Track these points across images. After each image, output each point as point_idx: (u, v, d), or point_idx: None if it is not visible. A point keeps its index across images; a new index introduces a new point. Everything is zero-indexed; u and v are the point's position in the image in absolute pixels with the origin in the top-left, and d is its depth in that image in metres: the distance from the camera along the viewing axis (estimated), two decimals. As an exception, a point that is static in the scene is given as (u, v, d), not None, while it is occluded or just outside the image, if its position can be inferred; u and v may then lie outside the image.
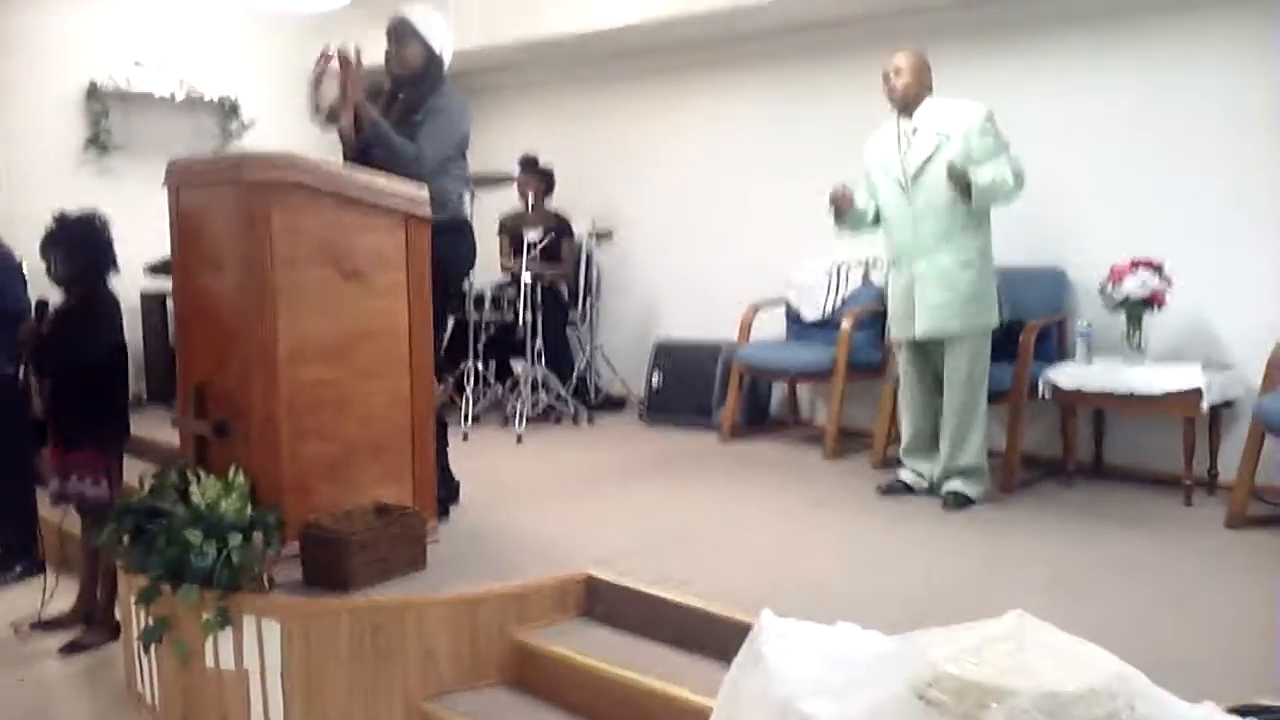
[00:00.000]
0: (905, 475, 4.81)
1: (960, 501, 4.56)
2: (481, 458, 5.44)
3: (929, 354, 4.68)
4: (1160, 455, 4.95)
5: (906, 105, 4.56)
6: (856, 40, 6.04)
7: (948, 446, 4.61)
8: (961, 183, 4.36)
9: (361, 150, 4.24)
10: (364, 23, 7.07)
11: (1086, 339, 4.90)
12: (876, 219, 4.76)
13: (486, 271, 6.42)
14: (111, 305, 4.26)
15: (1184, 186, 4.97)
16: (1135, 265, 4.75)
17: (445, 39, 4.36)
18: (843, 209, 4.69)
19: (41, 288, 4.44)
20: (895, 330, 4.76)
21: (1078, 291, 5.26)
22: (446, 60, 4.37)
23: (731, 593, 3.48)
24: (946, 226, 4.48)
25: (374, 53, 4.34)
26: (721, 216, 6.79)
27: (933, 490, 4.71)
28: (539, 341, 6.47)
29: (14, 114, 6.87)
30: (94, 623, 4.32)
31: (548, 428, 6.42)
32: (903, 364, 4.80)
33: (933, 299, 4.52)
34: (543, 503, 4.70)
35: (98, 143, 7.13)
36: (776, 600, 3.22)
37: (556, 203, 7.13)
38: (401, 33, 4.30)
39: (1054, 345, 5.25)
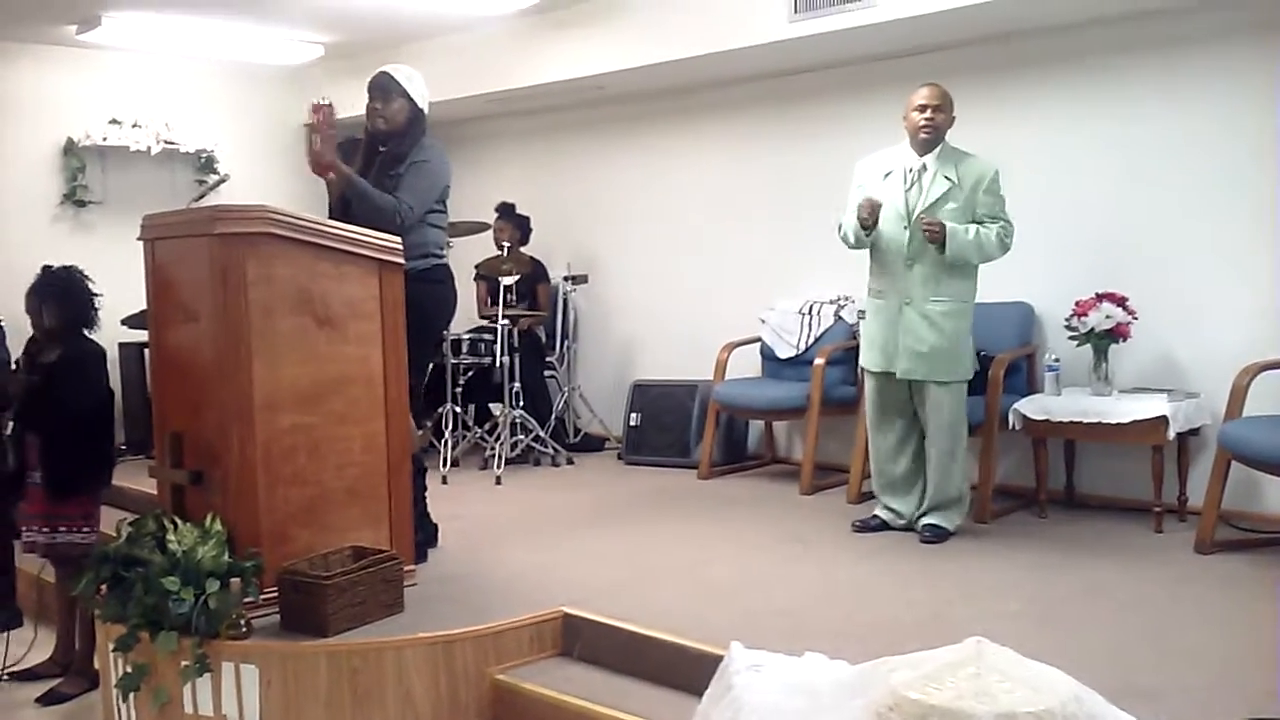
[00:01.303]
0: (881, 513, 4.83)
1: (937, 535, 4.61)
2: (460, 501, 5.47)
3: (899, 386, 4.68)
4: (1130, 484, 5.02)
5: (934, 143, 4.54)
6: (826, 86, 6.16)
7: (933, 482, 4.64)
8: (939, 238, 4.40)
9: (345, 202, 4.30)
10: (337, 75, 7.22)
11: (1055, 371, 4.98)
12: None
13: (464, 316, 6.47)
14: (98, 356, 4.31)
15: (1148, 220, 5.07)
16: (1100, 298, 4.84)
17: (425, 94, 4.43)
18: (869, 223, 4.55)
19: (20, 342, 4.48)
20: (868, 359, 4.74)
21: (1045, 325, 5.35)
22: (426, 114, 4.45)
23: (705, 626, 3.52)
24: (940, 270, 4.49)
25: (347, 106, 4.39)
26: (695, 258, 6.87)
27: (909, 527, 4.73)
28: (517, 384, 6.51)
29: (-8, 169, 6.93)
30: (72, 672, 4.31)
31: (527, 469, 6.46)
32: (869, 394, 4.80)
33: (919, 344, 4.51)
34: (521, 544, 4.72)
35: (74, 198, 7.18)
36: (750, 633, 3.26)
37: (532, 248, 7.20)
38: (387, 89, 4.36)
39: (1024, 378, 5.33)
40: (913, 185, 4.56)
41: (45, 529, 4.23)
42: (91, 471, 4.25)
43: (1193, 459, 4.86)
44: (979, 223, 4.50)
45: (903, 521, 4.76)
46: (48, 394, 4.17)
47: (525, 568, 4.34)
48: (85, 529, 4.22)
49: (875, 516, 4.83)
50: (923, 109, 4.52)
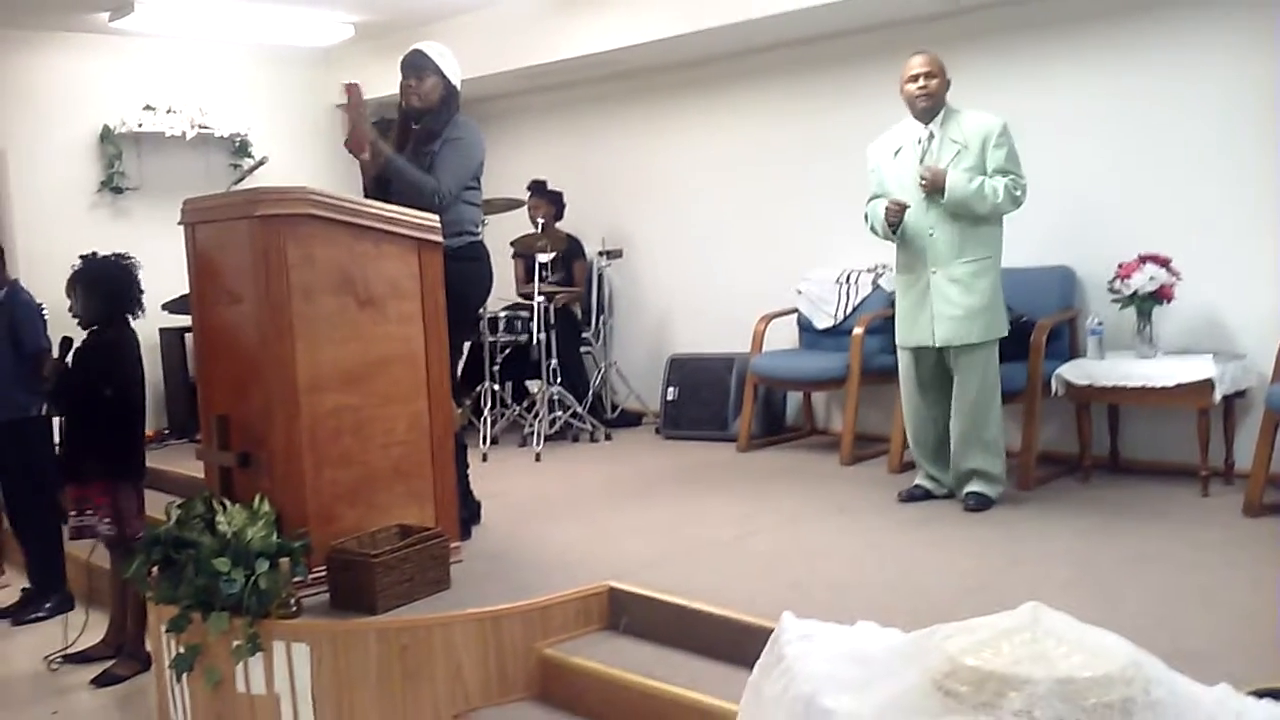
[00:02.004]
0: (923, 481, 4.81)
1: (981, 503, 4.58)
2: (501, 478, 5.49)
3: (933, 361, 4.66)
4: (1176, 447, 4.97)
5: (932, 110, 4.54)
6: (859, 51, 6.10)
7: (964, 450, 4.62)
8: (937, 184, 4.40)
9: (379, 179, 4.31)
10: (368, 55, 7.22)
11: (1098, 335, 4.92)
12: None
13: (500, 294, 6.48)
14: (129, 343, 4.32)
15: (1190, 180, 5.00)
16: (1143, 260, 4.77)
17: (457, 70, 4.43)
18: (897, 221, 4.57)
19: (61, 329, 4.52)
20: (903, 336, 4.73)
21: (1087, 289, 5.29)
22: (459, 91, 4.44)
23: (752, 599, 3.52)
24: (962, 234, 4.48)
25: (379, 85, 4.39)
26: (730, 230, 6.84)
27: (952, 494, 4.72)
28: (554, 361, 6.52)
29: (30, 159, 7.00)
30: (125, 654, 4.38)
31: (565, 446, 6.47)
32: (903, 370, 4.78)
33: (951, 307, 4.50)
34: (563, 519, 4.74)
35: (111, 184, 7.24)
36: (797, 604, 3.25)
37: (566, 224, 7.19)
38: (420, 66, 4.36)
39: (1065, 343, 5.27)
40: (924, 155, 4.55)
41: (74, 512, 4.28)
42: (111, 458, 4.26)
43: (1239, 421, 4.80)
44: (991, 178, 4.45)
45: (945, 489, 4.74)
46: (75, 378, 4.21)
47: (569, 543, 4.35)
48: (107, 516, 4.23)
49: (918, 486, 4.81)
50: (915, 78, 4.53)
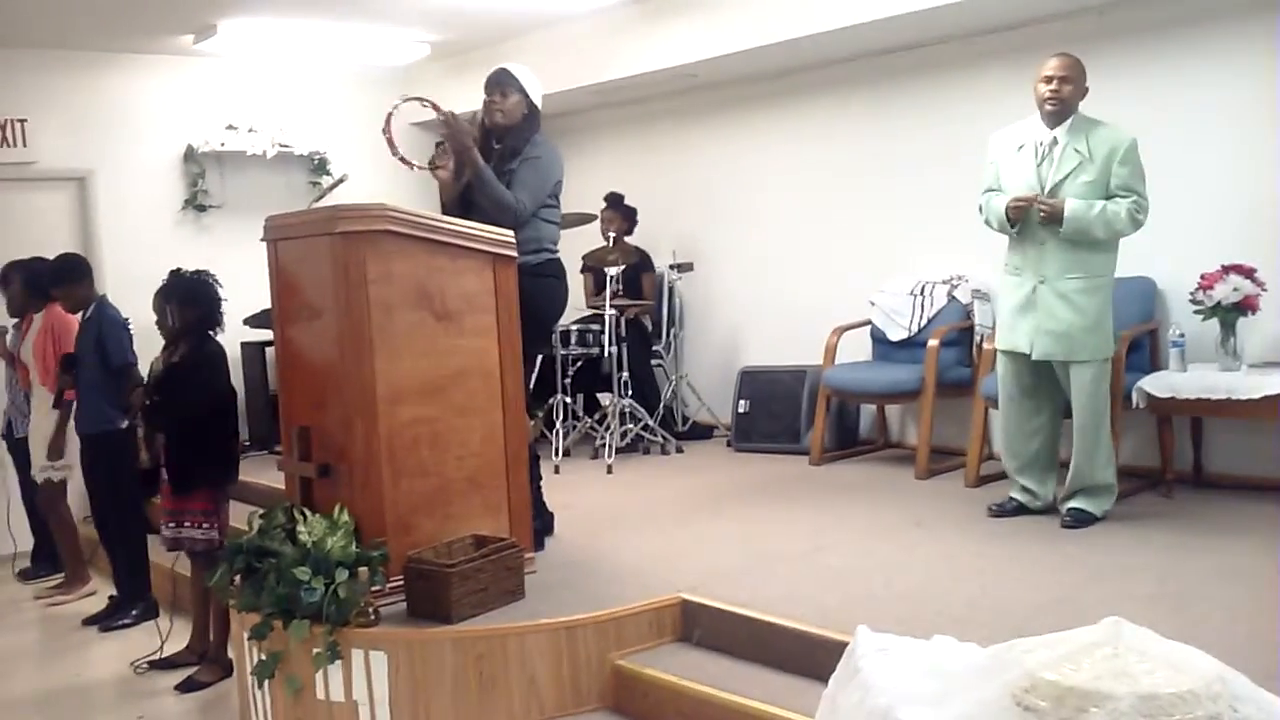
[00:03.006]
0: (1017, 494, 4.71)
1: (1082, 519, 4.46)
2: (573, 489, 5.52)
3: (1033, 369, 4.56)
4: (1261, 461, 4.85)
5: (1062, 115, 4.38)
6: (933, 62, 6.06)
7: (1075, 464, 4.50)
8: (1054, 217, 4.31)
9: (462, 199, 4.37)
10: (443, 74, 7.33)
11: (1179, 347, 4.83)
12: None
13: (571, 307, 6.52)
14: (219, 356, 4.46)
15: (1274, 188, 4.88)
16: (1226, 270, 4.68)
17: (539, 89, 4.49)
18: (1019, 219, 4.46)
19: (147, 344, 4.65)
20: (1003, 339, 4.62)
21: (1168, 300, 5.19)
22: (539, 110, 4.50)
23: (825, 612, 3.51)
24: (1075, 248, 4.36)
25: (453, 104, 4.46)
26: (801, 241, 6.82)
27: (1049, 509, 4.61)
28: (625, 374, 6.55)
29: (116, 178, 7.20)
30: (208, 660, 4.47)
31: (637, 458, 6.49)
32: (1001, 374, 4.68)
33: (1055, 323, 4.39)
34: (635, 531, 4.76)
35: (195, 203, 7.43)
36: (872, 618, 3.23)
37: (636, 238, 7.22)
38: (504, 84, 4.44)
39: (1146, 355, 5.18)
40: (1044, 159, 4.42)
41: (171, 524, 4.39)
42: (212, 468, 4.38)
43: (1328, 435, 4.68)
44: (1111, 196, 4.32)
45: (1039, 503, 4.64)
46: (171, 393, 4.33)
47: (641, 554, 4.36)
48: (205, 524, 4.36)
49: (1011, 499, 4.71)
50: (1049, 80, 4.37)
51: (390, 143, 4.30)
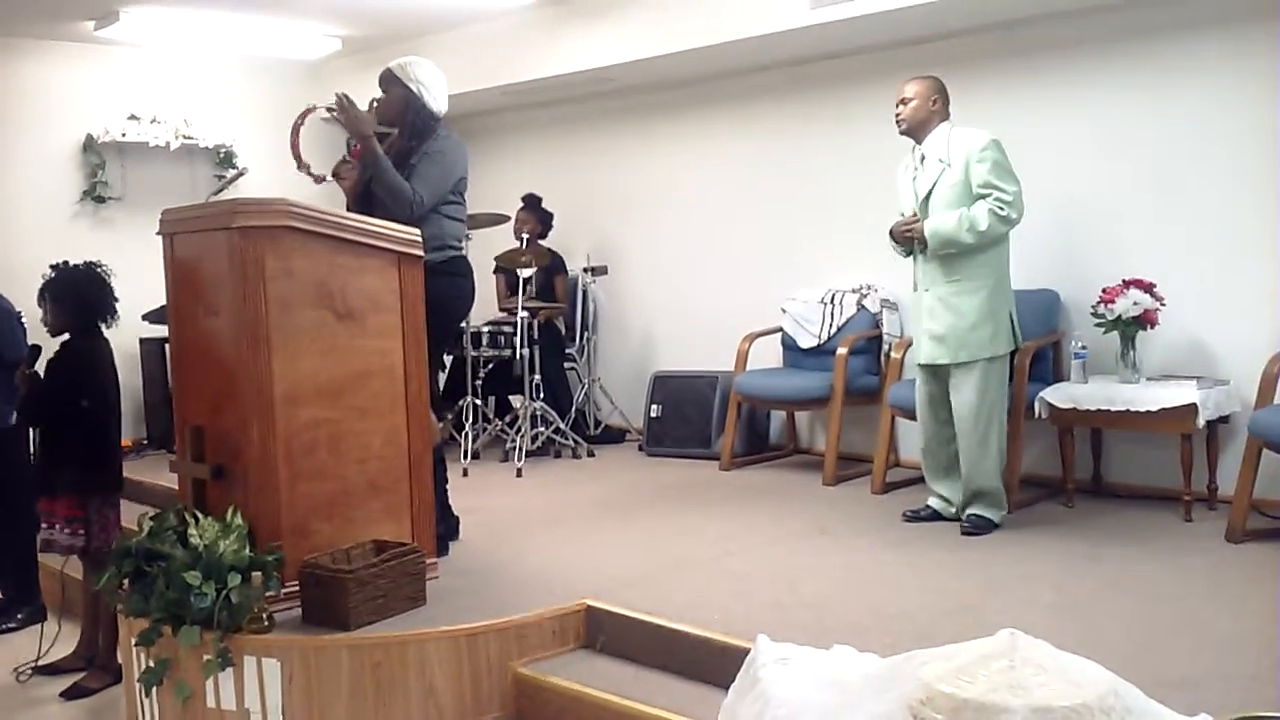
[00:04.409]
0: (933, 502, 4.78)
1: (981, 525, 4.54)
2: (481, 493, 5.45)
3: (940, 378, 4.68)
4: (1159, 472, 4.96)
5: (914, 132, 4.61)
6: (848, 74, 6.11)
7: (963, 470, 4.60)
8: (915, 237, 4.54)
9: (364, 198, 4.29)
10: (354, 70, 7.19)
11: (1081, 359, 4.92)
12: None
13: (483, 309, 6.46)
14: (99, 354, 4.23)
15: (1175, 205, 5.00)
16: (1127, 285, 4.77)
17: (431, 83, 4.41)
18: (905, 240, 4.66)
19: (42, 338, 4.47)
20: (914, 351, 4.83)
21: (1071, 312, 5.28)
22: (435, 105, 4.42)
23: (730, 619, 3.49)
24: (952, 256, 4.51)
25: (363, 101, 4.41)
26: (715, 248, 6.83)
27: (958, 516, 4.67)
28: (537, 376, 6.49)
29: (11, 167, 6.95)
30: (96, 666, 4.31)
31: (547, 462, 6.44)
32: (918, 384, 4.81)
33: (936, 326, 4.56)
34: (543, 536, 4.70)
35: (94, 194, 7.19)
36: (776, 626, 3.24)
37: (550, 240, 7.17)
38: (383, 80, 4.43)
39: (1049, 366, 5.26)
40: (916, 174, 4.64)
41: (44, 525, 4.22)
42: (82, 471, 4.17)
43: (1223, 447, 4.79)
44: (978, 197, 4.45)
45: (954, 510, 4.71)
46: (45, 389, 4.16)
47: (547, 560, 4.31)
48: (69, 530, 4.13)
49: (927, 506, 4.78)
50: (896, 103, 4.65)
51: (297, 156, 4.22)
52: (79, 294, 4.19)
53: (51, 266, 4.26)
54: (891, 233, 4.69)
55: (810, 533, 4.67)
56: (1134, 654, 3.11)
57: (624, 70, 6.46)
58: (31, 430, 4.38)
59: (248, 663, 3.35)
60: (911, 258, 4.72)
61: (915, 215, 4.60)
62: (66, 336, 4.25)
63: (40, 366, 4.32)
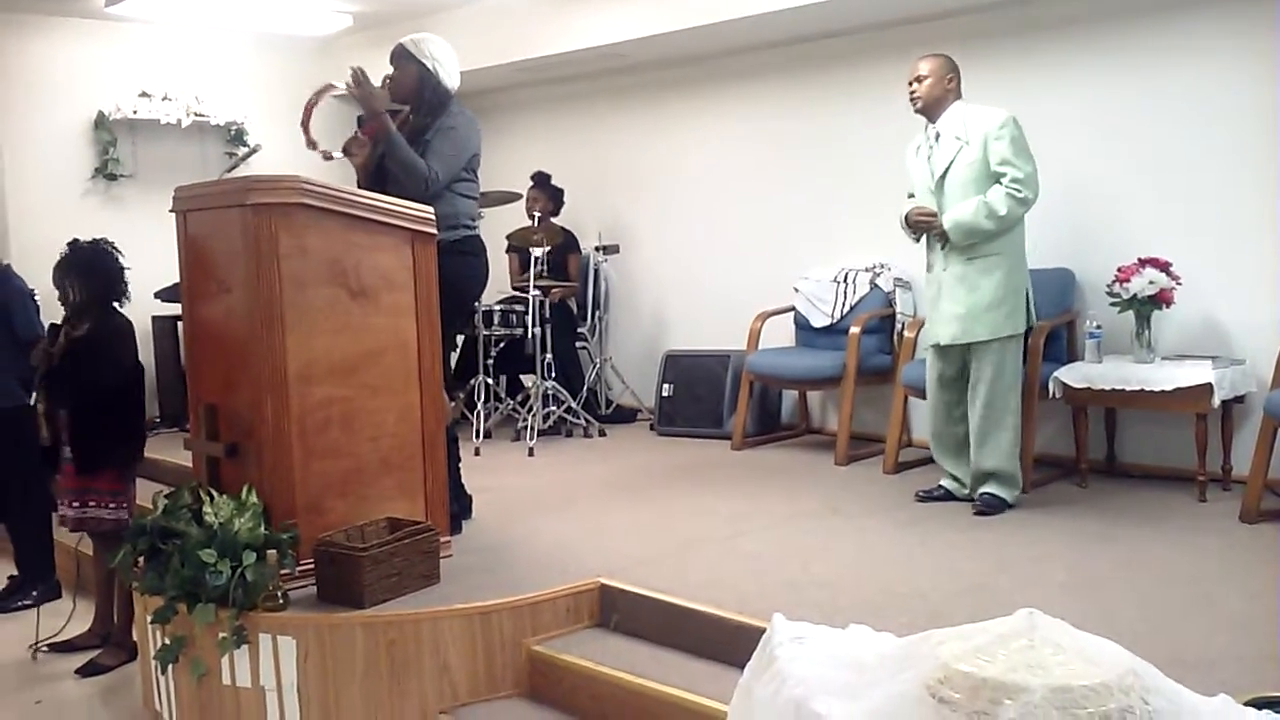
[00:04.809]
0: (945, 482, 4.77)
1: (993, 505, 4.52)
2: (494, 472, 5.46)
3: (952, 357, 4.66)
4: (1173, 452, 4.94)
5: (929, 110, 4.57)
6: (862, 50, 6.06)
7: (975, 450, 4.59)
8: (936, 228, 4.50)
9: (375, 176, 4.27)
10: (365, 46, 7.17)
11: (1096, 338, 4.89)
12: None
13: (495, 288, 6.45)
14: (125, 330, 4.31)
15: (1191, 184, 4.96)
16: (1142, 264, 4.74)
17: (444, 59, 4.38)
18: (921, 228, 4.64)
19: (53, 315, 4.48)
20: (926, 332, 4.80)
21: (1086, 292, 5.25)
22: (449, 81, 4.40)
23: (745, 599, 3.49)
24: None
25: (375, 78, 4.38)
26: (728, 227, 6.81)
27: (971, 496, 4.66)
28: (548, 355, 6.49)
29: (23, 145, 6.94)
30: (111, 643, 4.34)
31: (559, 441, 6.43)
32: (928, 366, 4.79)
33: (954, 306, 4.52)
34: (555, 515, 4.71)
35: (105, 172, 7.18)
36: (790, 605, 3.24)
37: (562, 219, 7.15)
38: (396, 57, 4.39)
39: (1064, 345, 5.24)
40: (931, 153, 4.60)
41: (75, 503, 4.25)
42: (120, 446, 4.24)
43: (1237, 427, 4.77)
44: (996, 176, 4.42)
45: (967, 491, 4.69)
46: (74, 369, 4.17)
47: (560, 539, 4.31)
48: (112, 504, 4.23)
49: (940, 486, 4.77)
50: (910, 81, 4.60)
51: (308, 135, 4.20)
52: (104, 270, 4.22)
53: (69, 244, 4.28)
54: (907, 218, 4.65)
55: (823, 512, 4.66)
56: (1147, 634, 3.10)
57: (636, 46, 6.43)
58: (46, 410, 4.39)
59: (263, 640, 3.36)
60: (925, 242, 4.69)
61: (931, 210, 4.54)
62: (85, 315, 4.25)
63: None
